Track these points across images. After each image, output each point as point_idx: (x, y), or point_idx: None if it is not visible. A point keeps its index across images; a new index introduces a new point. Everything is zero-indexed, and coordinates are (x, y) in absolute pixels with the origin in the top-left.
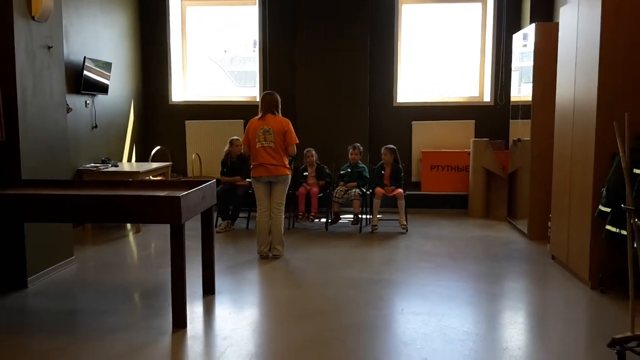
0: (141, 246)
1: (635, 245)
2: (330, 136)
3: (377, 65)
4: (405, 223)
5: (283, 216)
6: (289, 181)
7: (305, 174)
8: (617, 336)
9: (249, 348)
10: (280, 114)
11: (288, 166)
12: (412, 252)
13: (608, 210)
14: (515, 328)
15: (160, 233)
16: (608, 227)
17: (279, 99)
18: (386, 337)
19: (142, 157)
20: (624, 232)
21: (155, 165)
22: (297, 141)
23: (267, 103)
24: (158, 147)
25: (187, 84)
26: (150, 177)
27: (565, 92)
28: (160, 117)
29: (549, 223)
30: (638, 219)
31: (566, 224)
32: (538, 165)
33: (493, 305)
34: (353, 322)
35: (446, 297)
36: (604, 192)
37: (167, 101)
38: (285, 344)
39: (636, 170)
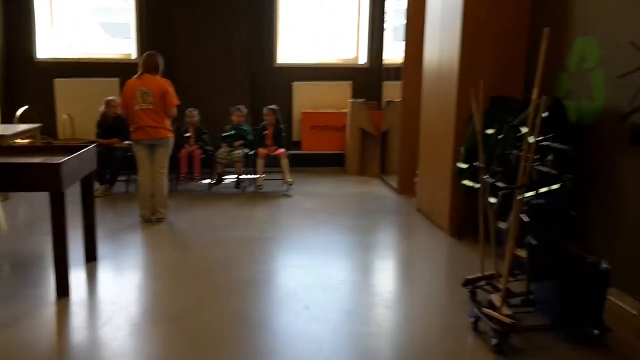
0: (11, 214)
1: (486, 198)
2: (212, 97)
3: (255, 27)
4: (290, 180)
5: (166, 179)
6: (172, 144)
7: (186, 135)
8: (469, 277)
9: (136, 311)
10: (158, 75)
11: (170, 128)
12: (294, 210)
13: (465, 166)
14: (385, 274)
15: (29, 200)
16: (465, 181)
17: (160, 62)
18: (270, 290)
19: (6, 118)
20: (478, 186)
21: (22, 127)
22: (178, 102)
23: (146, 64)
24: (25, 108)
25: (54, 38)
26: (18, 140)
27: (432, 57)
28: (26, 75)
29: (416, 179)
30: (489, 177)
31: (430, 178)
32: (407, 125)
33: (366, 254)
34: (239, 278)
35: (325, 250)
36: (462, 150)
37: (32, 57)
38: (173, 303)
39: (488, 131)
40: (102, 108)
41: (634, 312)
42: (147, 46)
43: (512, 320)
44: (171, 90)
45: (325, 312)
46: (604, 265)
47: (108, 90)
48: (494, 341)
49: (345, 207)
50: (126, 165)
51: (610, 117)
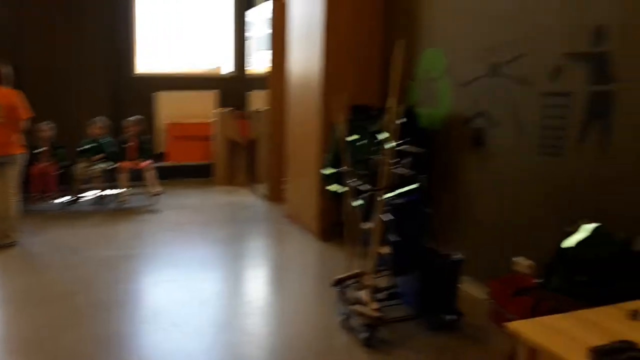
0: None
1: (351, 201)
2: (68, 109)
3: (112, 34)
4: (158, 189)
5: (17, 199)
6: (23, 160)
7: (39, 150)
8: (338, 277)
9: None
10: (6, 87)
11: (20, 144)
12: (162, 224)
13: (331, 172)
14: (257, 282)
15: None
16: (331, 187)
17: (6, 71)
18: (138, 309)
19: None
20: (343, 191)
21: None
22: (29, 116)
23: None
24: None
25: None
26: None
27: (296, 67)
28: None
29: (284, 186)
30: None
31: (298, 185)
32: (274, 134)
33: (238, 264)
34: (103, 299)
35: (196, 263)
36: (328, 157)
37: None
38: (30, 329)
39: (351, 138)
40: None
41: (482, 298)
42: None
43: (379, 314)
44: (22, 102)
45: (197, 326)
46: (456, 256)
47: None
48: (363, 335)
49: (215, 218)
50: None
51: (455, 122)
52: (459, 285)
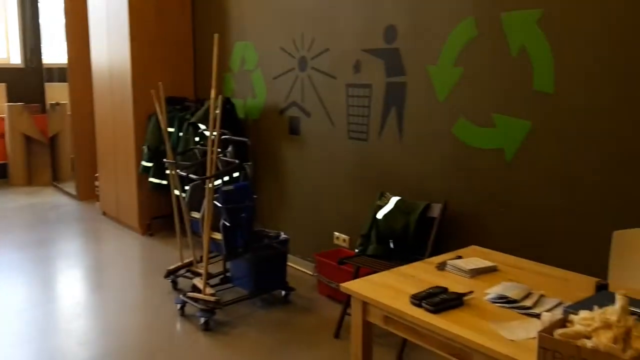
0: None
1: (176, 193)
2: None
3: None
4: None
5: None
6: None
7: None
8: (170, 268)
9: None
10: None
11: None
12: None
13: (150, 164)
14: (78, 285)
15: None
16: (151, 179)
17: None
18: None
19: None
20: (165, 182)
21: None
22: None
23: None
24: None
25: None
26: None
27: (100, 58)
28: None
29: (96, 182)
30: (179, 171)
31: (113, 181)
32: (79, 128)
33: (53, 268)
34: None
35: (3, 271)
36: (145, 149)
37: None
38: None
39: (169, 130)
40: None
41: (309, 272)
42: None
43: (215, 298)
44: None
45: (21, 334)
46: (283, 236)
47: None
48: (201, 320)
49: (18, 221)
50: None
51: (272, 112)
52: (287, 263)
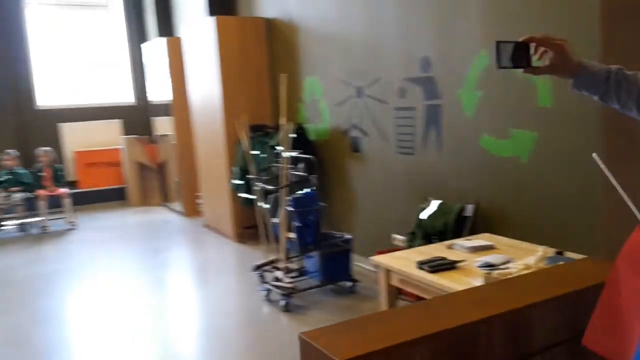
0: None
1: (262, 205)
2: None
3: (14, 74)
4: (73, 220)
5: None
6: None
7: None
8: (257, 263)
9: None
10: None
11: None
12: (86, 244)
13: (240, 183)
14: (188, 280)
15: None
16: (241, 194)
17: None
18: (77, 322)
19: None
20: (252, 197)
21: None
22: None
23: None
24: None
25: None
26: None
27: (196, 95)
28: None
29: (199, 200)
30: (260, 185)
31: (211, 198)
32: (183, 155)
33: (167, 269)
34: (52, 306)
35: (130, 273)
36: (235, 170)
37: None
38: None
39: (253, 152)
40: None
41: (372, 268)
42: None
43: (292, 285)
44: None
45: (151, 308)
46: (347, 236)
47: None
48: (282, 303)
49: (137, 234)
50: None
51: (337, 133)
52: (353, 261)
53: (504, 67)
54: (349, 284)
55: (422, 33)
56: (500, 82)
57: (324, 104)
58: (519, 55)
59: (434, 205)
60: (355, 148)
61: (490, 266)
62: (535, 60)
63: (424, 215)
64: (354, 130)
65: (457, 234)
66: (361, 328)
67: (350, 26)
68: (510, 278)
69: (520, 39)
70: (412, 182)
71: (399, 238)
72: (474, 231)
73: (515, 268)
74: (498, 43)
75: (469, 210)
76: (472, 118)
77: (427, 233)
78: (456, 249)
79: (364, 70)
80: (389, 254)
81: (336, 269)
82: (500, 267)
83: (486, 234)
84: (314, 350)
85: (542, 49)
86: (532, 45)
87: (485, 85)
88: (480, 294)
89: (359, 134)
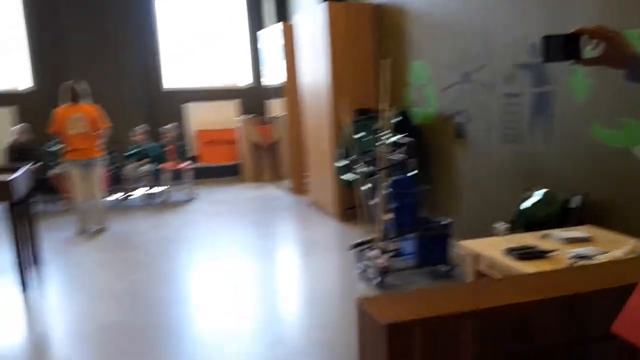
0: None
1: (362, 186)
2: (113, 122)
3: (145, 60)
4: (193, 192)
5: (103, 193)
6: (104, 162)
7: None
8: (355, 242)
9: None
10: (86, 102)
11: (101, 149)
12: (203, 214)
13: (343, 164)
14: (292, 252)
15: None
16: (344, 176)
17: (83, 88)
18: (205, 275)
19: None
20: (354, 178)
21: None
22: (108, 125)
23: (74, 93)
24: None
25: None
26: None
27: (307, 79)
28: None
29: (306, 179)
30: (362, 167)
31: (317, 178)
32: (293, 136)
33: (274, 241)
34: (172, 267)
35: (241, 244)
36: (339, 151)
37: None
38: (125, 284)
39: (356, 136)
40: (15, 136)
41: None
42: (44, 76)
43: (387, 264)
44: (100, 115)
45: (254, 286)
46: (445, 220)
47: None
48: (377, 280)
49: (248, 208)
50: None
51: (441, 119)
52: (451, 244)
53: (553, 61)
54: (445, 267)
55: (532, 18)
56: (612, 70)
57: (430, 89)
58: (570, 47)
59: (537, 194)
60: (459, 134)
61: (581, 256)
62: (588, 51)
63: (526, 204)
64: (458, 115)
65: (561, 225)
66: (416, 299)
67: (459, 11)
68: (580, 266)
69: (570, 31)
70: (516, 169)
71: (499, 226)
72: (580, 223)
73: (599, 260)
74: (545, 37)
75: (576, 201)
76: (582, 106)
77: (529, 222)
78: (551, 239)
79: (472, 55)
80: (479, 240)
81: (433, 253)
82: (592, 259)
83: (589, 226)
84: (366, 314)
85: (595, 40)
86: (583, 38)
87: (597, 73)
88: (544, 278)
89: (463, 119)
